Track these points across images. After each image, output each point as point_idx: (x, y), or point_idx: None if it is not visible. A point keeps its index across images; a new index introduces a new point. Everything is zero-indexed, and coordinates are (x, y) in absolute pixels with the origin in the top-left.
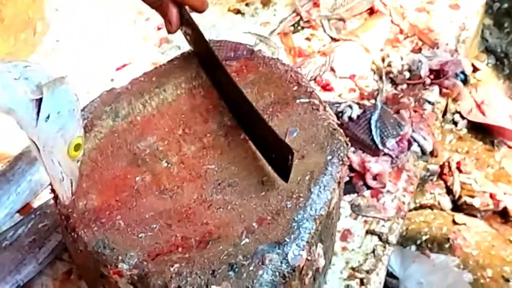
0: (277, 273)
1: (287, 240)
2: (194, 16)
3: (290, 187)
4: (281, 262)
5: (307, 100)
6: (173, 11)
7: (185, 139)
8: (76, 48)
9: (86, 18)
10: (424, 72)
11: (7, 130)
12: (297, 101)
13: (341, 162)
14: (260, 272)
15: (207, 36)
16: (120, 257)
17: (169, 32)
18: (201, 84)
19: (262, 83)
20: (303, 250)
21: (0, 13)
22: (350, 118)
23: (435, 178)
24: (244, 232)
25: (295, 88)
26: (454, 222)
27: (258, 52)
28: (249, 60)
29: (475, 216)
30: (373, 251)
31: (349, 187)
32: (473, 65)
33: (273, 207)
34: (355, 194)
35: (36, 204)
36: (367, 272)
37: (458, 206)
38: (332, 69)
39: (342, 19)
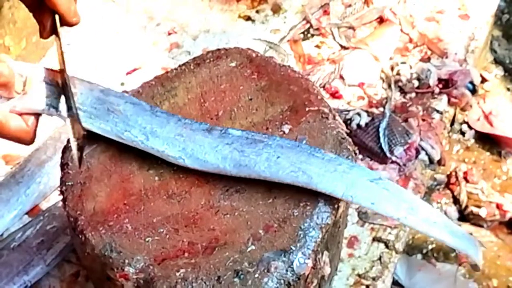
0: (282, 281)
1: (293, 248)
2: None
3: (297, 195)
4: (287, 270)
5: (317, 108)
6: (47, 18)
7: None
8: (87, 52)
9: (97, 23)
10: (432, 81)
11: None
12: (307, 109)
13: None
14: (265, 279)
15: (217, 43)
16: (126, 261)
17: (41, 36)
18: (212, 89)
19: (273, 89)
20: (308, 258)
21: (13, 16)
22: (358, 125)
23: (442, 188)
24: (250, 239)
25: (306, 95)
26: None
27: (270, 59)
28: (261, 67)
29: (481, 226)
30: (380, 258)
31: None
32: (481, 75)
33: (280, 214)
34: None
35: (44, 206)
36: (373, 279)
37: (464, 216)
38: (341, 77)
39: (352, 27)
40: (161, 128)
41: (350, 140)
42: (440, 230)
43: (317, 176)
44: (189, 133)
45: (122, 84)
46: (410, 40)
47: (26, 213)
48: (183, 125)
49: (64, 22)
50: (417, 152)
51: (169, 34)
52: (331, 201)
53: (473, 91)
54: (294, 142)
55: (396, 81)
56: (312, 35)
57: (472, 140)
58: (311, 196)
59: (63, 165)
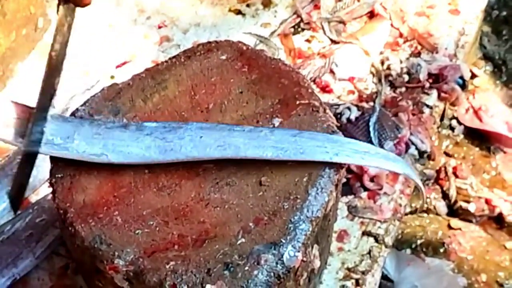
0: (272, 274)
1: (283, 241)
2: None
3: (287, 188)
4: (277, 263)
5: (307, 101)
6: None
7: None
8: (77, 45)
9: (87, 15)
10: (423, 76)
11: None
12: (298, 102)
13: (339, 165)
14: (255, 272)
15: (207, 37)
16: (116, 253)
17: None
18: (203, 81)
19: (263, 82)
20: (298, 251)
21: (2, 8)
22: (348, 120)
23: (431, 183)
24: (240, 231)
25: (296, 89)
26: (450, 227)
27: (261, 52)
28: (252, 60)
29: (470, 221)
30: (369, 252)
31: (346, 189)
32: (471, 71)
33: (270, 207)
34: (352, 196)
35: (34, 199)
36: (363, 273)
37: (453, 211)
38: (332, 71)
39: (342, 22)
40: (77, 132)
41: (340, 133)
42: (373, 158)
43: (243, 145)
44: (106, 131)
45: (112, 77)
46: (401, 35)
47: None
48: (98, 125)
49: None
50: (407, 147)
51: (160, 27)
52: (321, 194)
53: (463, 86)
54: (212, 123)
55: (386, 76)
56: (303, 29)
57: (462, 136)
58: (301, 189)
59: (53, 158)
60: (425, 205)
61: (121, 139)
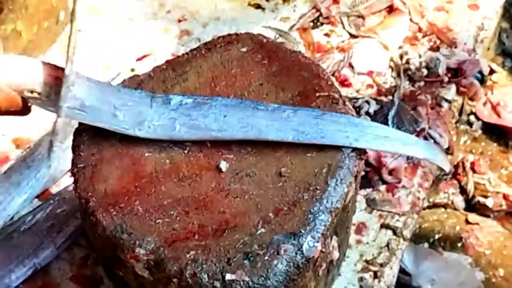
0: (291, 264)
1: (303, 231)
2: None
3: (307, 179)
4: (296, 253)
5: (327, 93)
6: None
7: None
8: (98, 38)
9: (108, 9)
10: (442, 70)
11: (28, 116)
12: (317, 94)
13: (358, 156)
14: (275, 262)
15: (227, 31)
16: (137, 242)
17: None
18: (223, 73)
19: (283, 75)
20: (318, 242)
21: (25, 1)
22: (367, 113)
23: (449, 178)
24: (260, 222)
25: (316, 81)
26: (467, 222)
27: (281, 44)
28: (272, 52)
29: (488, 216)
30: (387, 245)
31: (365, 182)
32: (489, 66)
33: (290, 198)
34: (371, 189)
35: (54, 190)
36: (381, 265)
37: (471, 206)
38: (351, 65)
39: (361, 16)
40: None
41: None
42: (393, 143)
43: (265, 127)
44: (133, 103)
45: (133, 70)
46: (420, 30)
47: (37, 197)
48: (126, 95)
49: None
50: (426, 140)
51: (179, 21)
52: (341, 185)
53: (482, 81)
54: (237, 100)
55: (405, 70)
56: (322, 24)
57: (480, 131)
58: (321, 180)
59: (75, 148)
60: (443, 200)
61: (148, 113)
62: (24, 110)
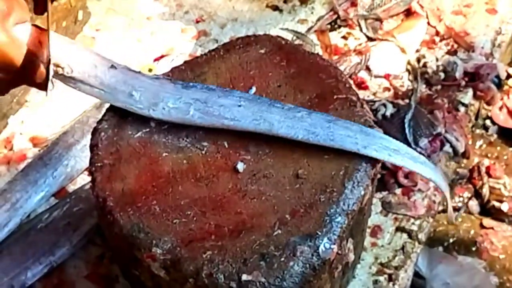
0: (307, 265)
1: (319, 233)
2: None
3: (324, 181)
4: (312, 255)
5: (344, 96)
6: None
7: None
8: (115, 38)
9: (126, 9)
10: (459, 74)
11: (45, 115)
12: (335, 96)
13: (374, 159)
14: (291, 263)
15: (245, 32)
16: (154, 242)
17: (34, 13)
18: (242, 74)
19: (302, 77)
20: (334, 244)
21: None
22: (384, 116)
23: (464, 182)
24: (276, 223)
25: (334, 83)
26: (482, 226)
27: (299, 47)
28: (290, 54)
29: (503, 220)
30: (402, 248)
31: (380, 185)
32: (506, 71)
33: (307, 200)
34: (386, 192)
35: (71, 189)
36: (396, 268)
37: (486, 210)
38: (368, 68)
39: (379, 19)
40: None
41: (377, 127)
42: (400, 157)
43: (277, 122)
44: (148, 85)
45: (150, 70)
46: (437, 33)
47: (53, 195)
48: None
49: None
50: (442, 144)
51: (197, 22)
52: (357, 188)
53: (499, 85)
54: (254, 95)
55: (422, 73)
56: (339, 26)
57: (495, 136)
58: (338, 182)
59: (93, 147)
60: (458, 204)
61: (164, 96)
62: (45, 83)
